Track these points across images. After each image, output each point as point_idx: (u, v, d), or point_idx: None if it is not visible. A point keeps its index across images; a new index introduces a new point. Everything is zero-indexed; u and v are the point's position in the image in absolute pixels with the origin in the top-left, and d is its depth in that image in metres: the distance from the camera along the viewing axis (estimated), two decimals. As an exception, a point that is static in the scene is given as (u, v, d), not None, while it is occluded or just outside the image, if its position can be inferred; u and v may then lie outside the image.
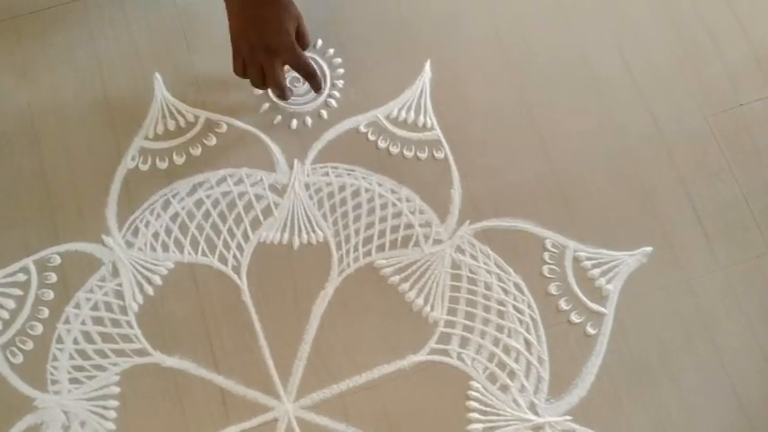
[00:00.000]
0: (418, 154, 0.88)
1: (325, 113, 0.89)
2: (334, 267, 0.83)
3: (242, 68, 0.81)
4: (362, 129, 0.89)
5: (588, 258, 0.84)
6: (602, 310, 0.82)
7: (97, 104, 0.89)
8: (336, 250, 0.83)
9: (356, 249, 0.83)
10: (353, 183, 0.86)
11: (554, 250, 0.84)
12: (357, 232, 0.84)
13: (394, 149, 0.88)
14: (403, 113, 0.90)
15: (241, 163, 0.87)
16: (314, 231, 0.84)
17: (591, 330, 0.81)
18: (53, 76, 0.90)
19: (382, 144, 0.88)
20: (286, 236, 0.84)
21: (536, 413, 0.77)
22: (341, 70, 0.91)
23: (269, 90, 0.88)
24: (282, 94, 0.84)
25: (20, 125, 0.88)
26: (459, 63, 0.92)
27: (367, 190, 0.86)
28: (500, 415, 0.78)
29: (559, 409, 0.78)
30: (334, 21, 0.93)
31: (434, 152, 0.88)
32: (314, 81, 0.84)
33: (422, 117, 0.89)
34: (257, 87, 0.83)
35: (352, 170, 0.87)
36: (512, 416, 0.78)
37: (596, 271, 0.83)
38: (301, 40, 0.82)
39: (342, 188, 0.86)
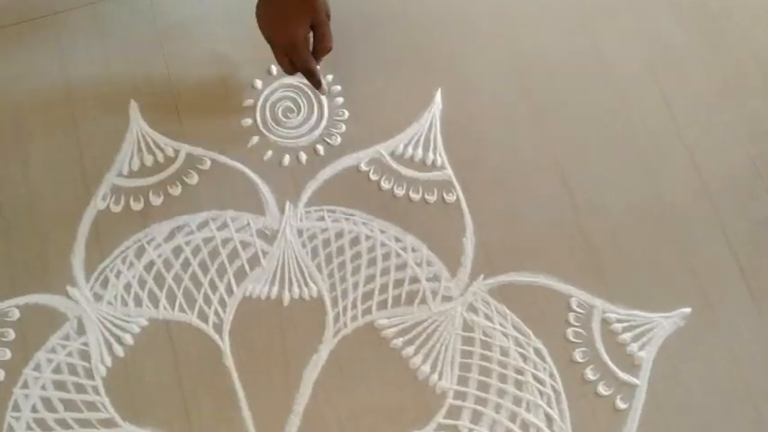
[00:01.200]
0: (426, 196, 0.78)
1: (321, 149, 0.79)
2: (329, 327, 0.73)
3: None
4: (363, 167, 0.79)
5: (619, 321, 0.74)
6: (633, 380, 0.72)
7: (64, 134, 0.79)
8: (332, 307, 0.73)
9: (354, 307, 0.73)
10: (352, 229, 0.76)
11: (580, 311, 0.74)
12: (356, 287, 0.74)
13: (399, 191, 0.78)
14: (410, 150, 0.80)
15: (226, 204, 0.77)
16: (306, 285, 0.74)
17: (621, 405, 0.71)
18: (14, 99, 0.80)
19: (386, 185, 0.78)
20: (275, 290, 0.74)
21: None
22: (340, 99, 0.82)
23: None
24: (313, 79, 0.75)
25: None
26: (473, 93, 0.83)
27: (367, 237, 0.76)
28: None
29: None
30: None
31: (444, 194, 0.78)
32: (313, 79, 0.75)
33: (431, 154, 0.80)
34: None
35: (352, 214, 0.77)
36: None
37: (628, 335, 0.73)
38: (319, 44, 0.73)
39: (339, 235, 0.76)
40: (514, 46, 0.84)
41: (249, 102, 0.81)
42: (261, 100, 0.81)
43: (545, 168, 0.80)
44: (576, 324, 0.74)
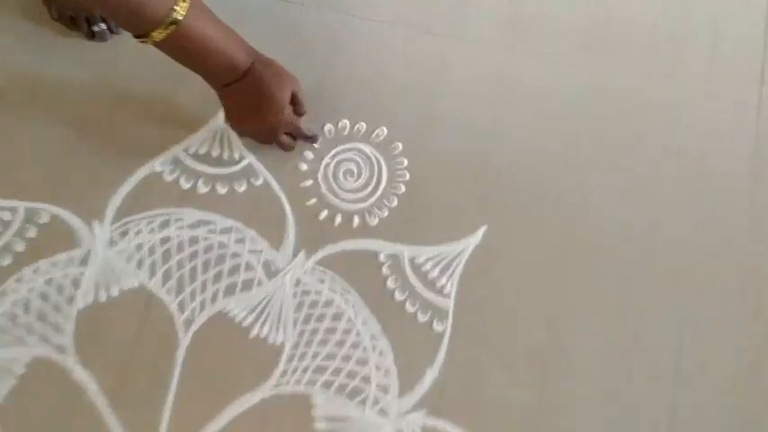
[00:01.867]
0: (419, 315, 0.81)
1: (357, 221, 0.83)
2: (275, 377, 0.77)
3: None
4: (381, 258, 0.82)
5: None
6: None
7: (165, 96, 0.87)
8: (287, 361, 0.78)
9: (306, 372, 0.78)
10: (341, 306, 0.80)
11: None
12: (315, 357, 0.78)
13: (400, 296, 0.81)
14: (429, 265, 0.82)
15: (254, 224, 0.82)
16: (277, 331, 0.79)
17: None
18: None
19: (391, 284, 0.81)
20: (249, 319, 0.79)
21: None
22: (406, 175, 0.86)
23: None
24: (308, 140, 0.86)
25: (99, 76, 0.88)
26: (511, 246, 0.84)
27: (349, 320, 0.79)
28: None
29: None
30: (419, 134, 0.87)
31: (435, 322, 0.80)
32: (309, 139, 0.85)
33: (445, 280, 0.82)
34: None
35: (348, 291, 0.80)
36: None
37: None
38: (297, 109, 0.81)
39: (328, 304, 0.80)
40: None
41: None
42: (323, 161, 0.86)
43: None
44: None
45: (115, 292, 0.79)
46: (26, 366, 0.76)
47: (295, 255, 0.82)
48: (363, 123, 0.87)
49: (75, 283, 0.79)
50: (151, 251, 0.81)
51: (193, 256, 0.81)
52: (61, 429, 0.74)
